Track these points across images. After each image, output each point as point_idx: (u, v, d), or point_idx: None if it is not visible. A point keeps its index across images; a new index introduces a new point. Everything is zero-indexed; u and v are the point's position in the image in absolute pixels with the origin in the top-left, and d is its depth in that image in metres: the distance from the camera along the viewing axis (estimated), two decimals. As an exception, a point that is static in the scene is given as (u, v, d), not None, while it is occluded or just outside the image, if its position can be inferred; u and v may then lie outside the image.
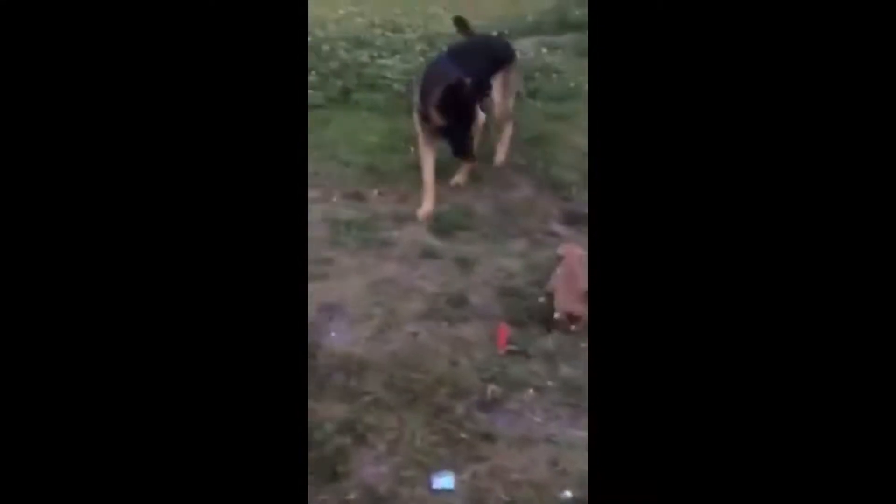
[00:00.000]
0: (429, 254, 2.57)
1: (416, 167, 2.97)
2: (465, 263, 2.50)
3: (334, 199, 2.97)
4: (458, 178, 3.06)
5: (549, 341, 2.08)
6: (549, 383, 1.91)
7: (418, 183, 3.02)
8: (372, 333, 2.12)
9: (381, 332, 2.13)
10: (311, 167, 2.98)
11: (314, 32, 5.42)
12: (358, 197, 3.04)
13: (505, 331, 2.09)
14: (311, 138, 3.57)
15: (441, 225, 2.76)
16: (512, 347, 2.04)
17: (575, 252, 2.28)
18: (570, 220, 2.80)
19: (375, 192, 3.09)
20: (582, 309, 2.08)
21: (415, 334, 2.12)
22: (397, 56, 4.63)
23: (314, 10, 6.25)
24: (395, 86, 4.09)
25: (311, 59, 4.86)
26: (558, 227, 2.76)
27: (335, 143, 3.61)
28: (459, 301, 2.29)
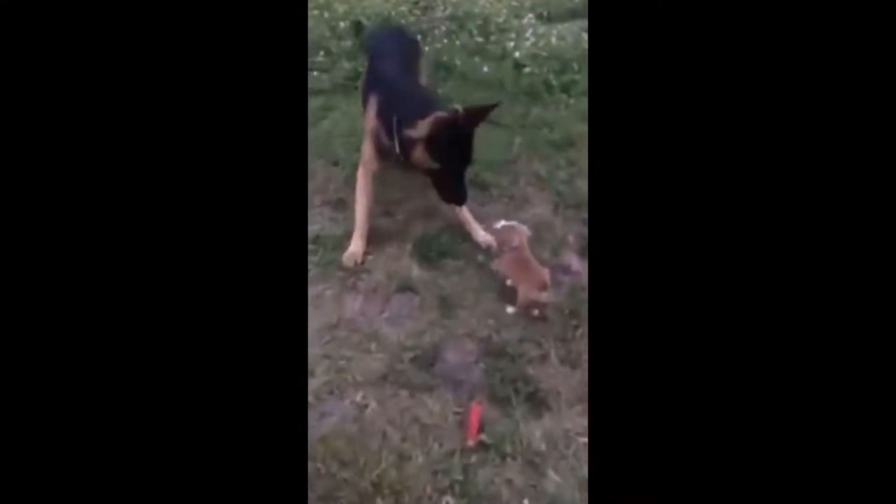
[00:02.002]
0: (406, 287, 2.05)
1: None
2: (447, 305, 1.97)
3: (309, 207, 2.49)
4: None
5: (538, 433, 1.53)
6: (526, 502, 1.38)
7: (412, 188, 2.52)
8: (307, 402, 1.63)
9: (319, 400, 1.64)
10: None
11: (334, 6, 4.96)
12: (339, 205, 2.55)
13: (477, 414, 1.56)
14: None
15: (427, 250, 2.23)
16: (484, 438, 1.51)
17: (524, 235, 2.04)
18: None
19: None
20: (545, 297, 1.91)
21: (362, 407, 1.62)
22: (420, 37, 4.12)
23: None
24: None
25: (325, 36, 4.41)
26: (574, 260, 2.20)
27: (330, 135, 3.14)
28: (430, 358, 1.77)
